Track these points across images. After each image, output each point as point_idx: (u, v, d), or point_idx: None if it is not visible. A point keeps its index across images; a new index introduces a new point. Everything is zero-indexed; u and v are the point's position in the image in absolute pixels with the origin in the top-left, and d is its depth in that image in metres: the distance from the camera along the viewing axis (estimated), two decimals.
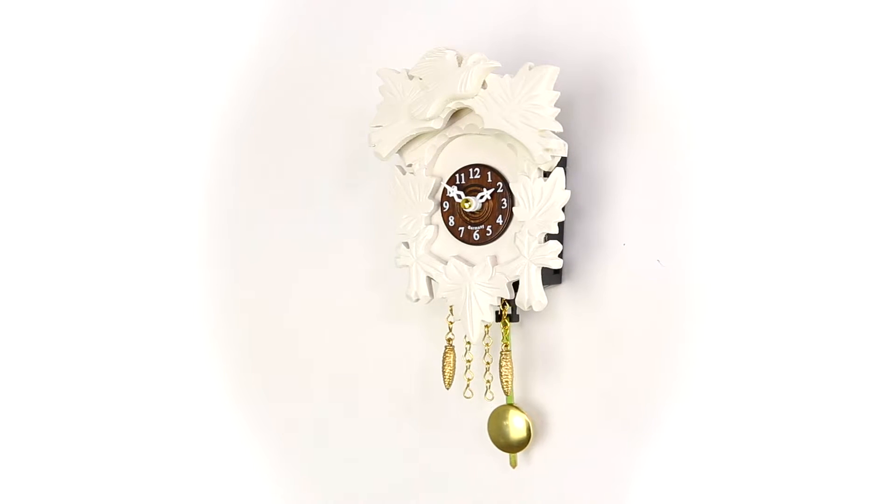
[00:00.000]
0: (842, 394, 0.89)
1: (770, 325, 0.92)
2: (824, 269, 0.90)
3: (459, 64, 0.94)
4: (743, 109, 0.92)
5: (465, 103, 0.95)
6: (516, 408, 1.00)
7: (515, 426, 1.00)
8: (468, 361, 1.01)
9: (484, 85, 0.94)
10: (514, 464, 1.02)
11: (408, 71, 0.98)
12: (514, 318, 0.99)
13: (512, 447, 1.01)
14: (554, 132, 0.92)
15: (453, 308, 0.99)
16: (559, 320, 1.00)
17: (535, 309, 0.95)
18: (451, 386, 1.00)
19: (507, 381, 0.98)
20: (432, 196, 1.00)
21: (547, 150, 0.92)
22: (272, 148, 1.13)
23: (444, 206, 1.00)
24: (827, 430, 0.90)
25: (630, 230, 0.97)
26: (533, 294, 0.95)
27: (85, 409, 1.20)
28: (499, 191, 0.97)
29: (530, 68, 0.92)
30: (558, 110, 0.91)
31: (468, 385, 1.01)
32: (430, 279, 1.00)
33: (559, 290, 0.99)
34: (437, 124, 0.96)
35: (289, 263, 1.12)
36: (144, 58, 1.18)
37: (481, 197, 0.97)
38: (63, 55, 1.20)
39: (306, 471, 1.12)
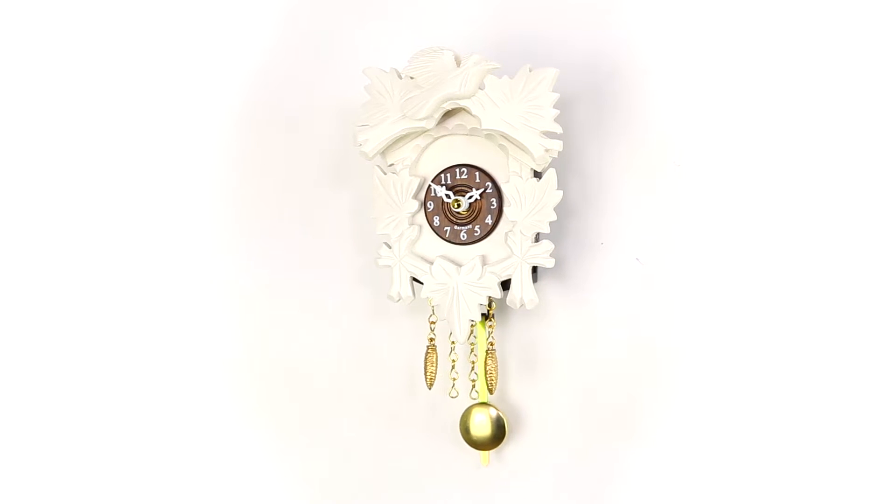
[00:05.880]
0: (823, 390, 0.95)
1: (755, 327, 0.97)
2: (808, 269, 0.96)
3: (458, 64, 0.95)
4: (735, 113, 0.97)
5: (462, 104, 0.95)
6: (486, 405, 1.01)
7: (478, 423, 1.01)
8: (453, 361, 1.01)
9: (481, 86, 0.95)
10: (484, 461, 1.03)
11: (397, 70, 0.98)
12: (488, 316, 1.00)
13: (479, 445, 1.02)
14: (554, 133, 0.94)
15: (438, 308, 0.99)
16: (539, 318, 1.02)
17: (528, 307, 0.97)
18: (433, 386, 1.00)
19: (492, 380, 0.99)
20: (416, 196, 1.00)
21: (547, 150, 0.94)
22: (261, 147, 1.10)
23: (429, 206, 1.00)
24: (808, 426, 0.96)
25: (616, 230, 1.00)
26: (525, 293, 0.97)
27: (81, 402, 1.14)
28: (488, 191, 0.98)
29: (530, 70, 0.94)
30: (558, 112, 0.94)
31: (454, 384, 1.01)
32: (413, 279, 1.00)
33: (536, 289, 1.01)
34: (430, 124, 0.97)
35: (278, 261, 1.09)
36: (142, 60, 1.13)
37: (470, 197, 0.98)
38: (64, 55, 1.15)
39: (292, 468, 1.09)
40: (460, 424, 1.02)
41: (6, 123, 1.15)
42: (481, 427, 1.01)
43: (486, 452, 1.03)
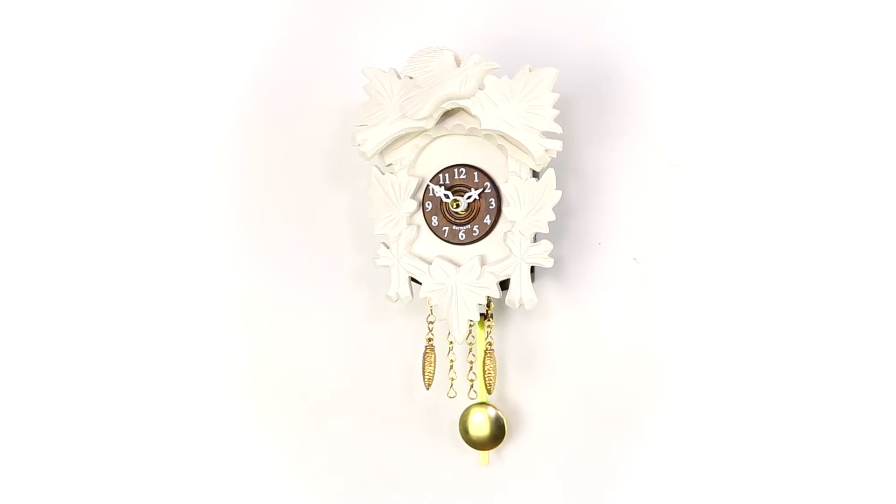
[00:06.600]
0: (820, 388, 0.96)
1: (752, 327, 0.97)
2: (804, 268, 0.96)
3: (458, 64, 0.95)
4: (732, 114, 0.98)
5: (461, 104, 0.95)
6: (485, 405, 1.01)
7: (477, 423, 1.02)
8: (451, 361, 1.01)
9: (481, 86, 0.95)
10: (484, 461, 1.03)
11: (396, 70, 0.98)
12: (484, 316, 1.00)
13: (478, 444, 1.02)
14: (553, 134, 0.94)
15: (436, 308, 0.99)
16: (537, 318, 1.02)
17: (527, 307, 0.97)
18: (431, 386, 1.00)
19: (490, 380, 1.00)
20: (414, 196, 1.00)
21: (547, 150, 0.94)
22: (259, 146, 1.10)
23: (427, 206, 1.00)
24: (805, 424, 0.96)
25: (613, 230, 1.00)
26: (524, 292, 0.97)
27: (82, 403, 1.13)
28: (486, 191, 0.98)
29: (530, 70, 0.94)
30: (558, 112, 0.94)
31: (452, 384, 1.01)
32: (411, 279, 1.00)
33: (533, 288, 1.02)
34: (429, 124, 0.97)
35: (275, 261, 1.09)
36: (142, 60, 1.13)
37: (469, 197, 0.98)
38: (66, 54, 1.14)
39: (290, 467, 1.09)
40: (459, 424, 1.02)
41: (6, 128, 1.15)
42: (480, 427, 1.02)
43: (485, 452, 1.03)
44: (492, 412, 1.01)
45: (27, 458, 1.14)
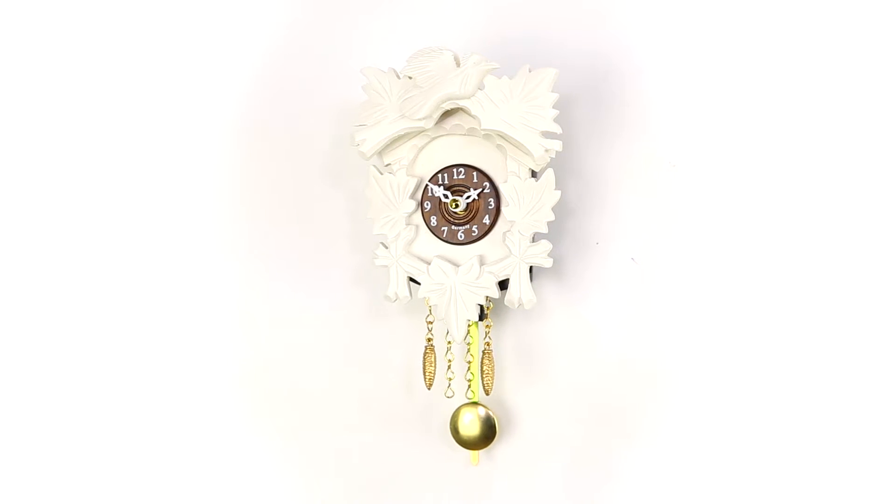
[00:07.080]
0: (820, 387, 0.96)
1: (750, 326, 0.98)
2: (802, 268, 0.97)
3: (457, 64, 0.95)
4: (730, 113, 0.98)
5: (461, 104, 0.95)
6: (475, 404, 1.01)
7: (467, 423, 1.02)
8: (449, 361, 1.01)
9: (481, 86, 0.95)
10: (474, 461, 1.03)
11: (395, 70, 0.98)
12: (482, 316, 1.00)
13: (468, 444, 1.02)
14: (553, 134, 0.94)
15: (435, 308, 0.99)
16: (535, 318, 1.02)
17: (527, 307, 0.97)
18: (432, 387, 1.00)
19: (488, 380, 1.00)
20: (413, 196, 1.00)
21: (547, 150, 0.94)
22: (259, 146, 1.10)
23: (426, 206, 1.00)
24: (805, 425, 0.97)
25: (611, 230, 1.01)
26: (524, 292, 0.97)
27: (81, 406, 1.13)
28: (485, 191, 0.98)
29: (530, 70, 0.95)
30: (558, 112, 0.94)
31: (450, 384, 1.01)
32: (410, 279, 1.00)
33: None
34: (429, 124, 0.97)
35: (274, 261, 1.09)
36: (141, 60, 1.13)
37: (468, 197, 0.98)
38: (65, 53, 1.14)
39: (287, 467, 1.08)
40: (450, 424, 1.02)
41: (7, 131, 1.14)
42: (470, 426, 1.02)
43: (475, 452, 1.03)
44: (482, 412, 1.01)
45: (28, 462, 1.13)
